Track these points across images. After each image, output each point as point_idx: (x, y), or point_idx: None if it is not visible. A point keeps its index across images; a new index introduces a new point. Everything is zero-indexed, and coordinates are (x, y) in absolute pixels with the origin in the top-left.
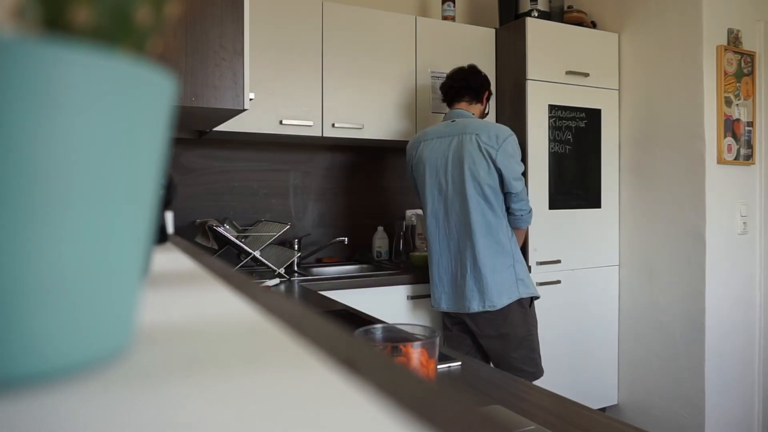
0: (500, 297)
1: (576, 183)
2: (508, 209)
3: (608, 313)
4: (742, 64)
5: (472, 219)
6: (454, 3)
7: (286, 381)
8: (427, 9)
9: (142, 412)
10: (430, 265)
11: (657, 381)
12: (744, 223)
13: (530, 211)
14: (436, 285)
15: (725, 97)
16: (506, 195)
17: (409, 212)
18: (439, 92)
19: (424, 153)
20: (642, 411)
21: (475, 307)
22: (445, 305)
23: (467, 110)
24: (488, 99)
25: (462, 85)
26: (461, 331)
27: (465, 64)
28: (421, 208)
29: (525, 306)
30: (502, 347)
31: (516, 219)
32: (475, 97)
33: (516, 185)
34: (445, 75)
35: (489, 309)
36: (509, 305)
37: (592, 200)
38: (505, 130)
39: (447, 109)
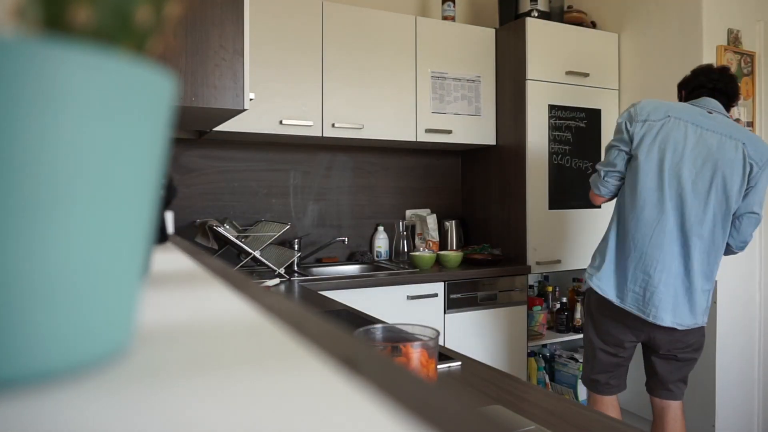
0: (703, 316)
1: (576, 183)
2: (732, 232)
3: None
4: (742, 64)
5: (703, 230)
6: (454, 3)
7: (287, 381)
8: (427, 9)
9: (142, 412)
10: (619, 252)
11: None
12: None
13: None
14: (625, 278)
15: None
16: (740, 217)
17: (409, 212)
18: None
19: (672, 131)
20: (642, 411)
21: (669, 321)
22: (630, 304)
23: (718, 104)
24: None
25: (716, 88)
26: (620, 332)
27: (465, 63)
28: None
29: (704, 333)
30: (675, 368)
31: (737, 245)
32: (726, 106)
33: (759, 208)
34: (443, 75)
35: (692, 327)
36: (701, 328)
37: None
38: (765, 145)
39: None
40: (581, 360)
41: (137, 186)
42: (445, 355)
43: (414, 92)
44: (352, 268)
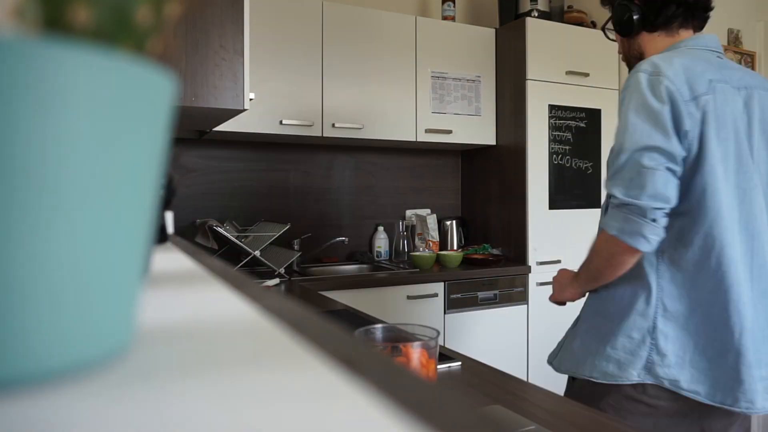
0: None
1: (576, 183)
2: None
3: None
4: (742, 64)
5: None
6: (454, 3)
7: (286, 381)
8: (427, 9)
9: (142, 412)
10: (718, 327)
11: None
12: None
13: None
14: (751, 366)
15: None
16: None
17: (409, 212)
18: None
19: (720, 107)
20: None
21: None
22: (762, 402)
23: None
24: None
25: (690, 2)
26: None
27: (465, 63)
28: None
29: None
30: None
31: None
32: (701, 27)
33: None
34: (443, 75)
35: None
36: None
37: (592, 200)
38: None
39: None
40: None
41: (137, 186)
42: (445, 355)
43: (414, 92)
44: (352, 268)
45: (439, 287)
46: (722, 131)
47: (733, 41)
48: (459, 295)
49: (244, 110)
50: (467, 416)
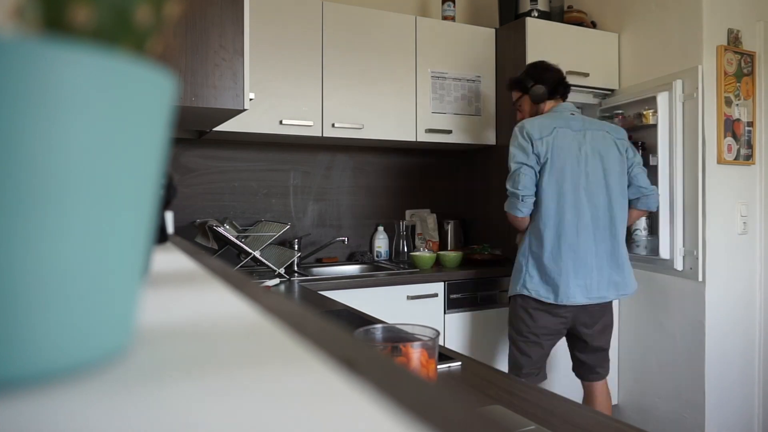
0: (633, 285)
1: None
2: (637, 192)
3: None
4: (742, 64)
5: (615, 211)
6: (454, 3)
7: (286, 381)
8: (427, 9)
9: (142, 412)
10: (556, 259)
11: (657, 381)
12: (744, 223)
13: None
14: (569, 277)
15: (725, 97)
16: (636, 178)
17: (409, 212)
18: (540, 85)
19: (560, 141)
20: (642, 411)
21: (612, 295)
22: (579, 298)
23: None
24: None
25: (567, 84)
26: (555, 323)
27: (465, 63)
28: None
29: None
30: (605, 338)
31: (648, 199)
32: (566, 95)
33: (641, 166)
34: (443, 75)
35: (623, 296)
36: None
37: None
38: (619, 126)
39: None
40: None
41: (137, 186)
42: (445, 355)
43: (414, 92)
44: (352, 268)
45: (439, 287)
46: (560, 154)
47: (733, 41)
48: (459, 295)
49: (244, 110)
50: (467, 416)
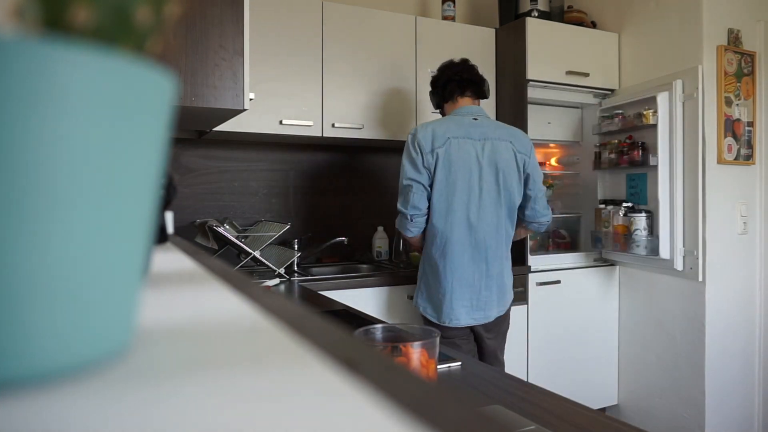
0: (509, 302)
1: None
2: (526, 215)
3: (608, 313)
4: (742, 64)
5: (503, 229)
6: (454, 3)
7: (286, 381)
8: (427, 9)
9: (142, 412)
10: (439, 278)
11: (657, 381)
12: (744, 223)
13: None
14: (452, 300)
15: (725, 97)
16: (530, 200)
17: None
18: (431, 91)
19: (454, 153)
20: (642, 411)
21: (494, 314)
22: (464, 320)
23: (476, 106)
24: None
25: (463, 78)
26: (452, 334)
27: None
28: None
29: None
30: (498, 344)
31: (540, 225)
32: (479, 93)
33: (542, 189)
34: None
35: (502, 313)
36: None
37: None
38: (527, 136)
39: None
40: None
41: (137, 186)
42: (445, 355)
43: (414, 92)
44: (352, 269)
45: None
46: (452, 168)
47: (733, 41)
48: None
49: (244, 110)
50: (467, 416)
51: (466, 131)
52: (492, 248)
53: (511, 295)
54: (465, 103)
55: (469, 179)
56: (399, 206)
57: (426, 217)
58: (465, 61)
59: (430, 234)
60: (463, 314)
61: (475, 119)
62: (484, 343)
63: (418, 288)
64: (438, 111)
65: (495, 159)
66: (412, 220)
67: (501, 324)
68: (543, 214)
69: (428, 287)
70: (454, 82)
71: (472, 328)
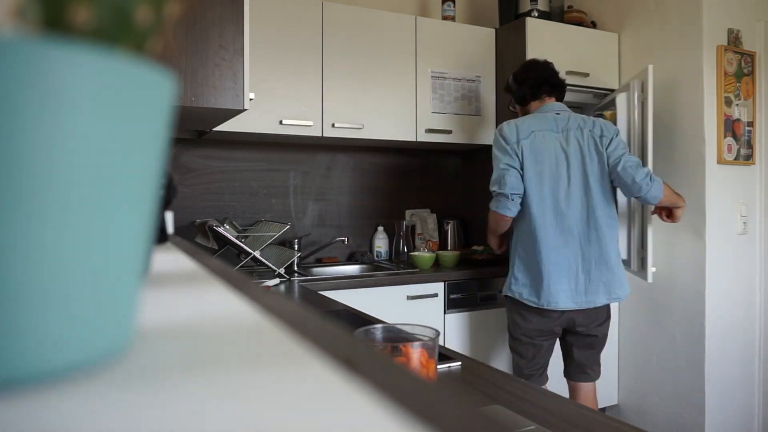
0: (625, 289)
1: None
2: (629, 193)
3: None
4: (742, 64)
5: (598, 214)
6: (454, 3)
7: (286, 381)
8: (427, 9)
9: (142, 413)
10: (536, 263)
11: (657, 381)
12: (744, 223)
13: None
14: (549, 284)
15: (725, 97)
16: (622, 178)
17: (409, 212)
18: (513, 86)
19: (539, 144)
20: (642, 411)
21: (602, 300)
22: (563, 303)
23: (559, 103)
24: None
25: (553, 82)
26: (547, 323)
27: (465, 63)
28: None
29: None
30: (599, 339)
31: (647, 197)
32: (562, 96)
33: (632, 163)
34: (443, 75)
35: (615, 300)
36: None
37: None
38: (610, 122)
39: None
40: None
41: (137, 186)
42: (445, 355)
43: (414, 92)
44: (352, 268)
45: (439, 287)
46: (538, 158)
47: (733, 41)
48: (459, 295)
49: (244, 110)
50: (467, 416)
51: (548, 124)
52: (583, 234)
53: (622, 285)
54: (550, 101)
55: (557, 168)
56: (497, 189)
57: (522, 198)
58: (549, 63)
59: (524, 222)
60: (562, 298)
61: (558, 114)
62: (573, 350)
63: (511, 277)
64: (514, 109)
65: (579, 148)
66: (512, 199)
67: (599, 321)
68: (639, 187)
69: (523, 274)
70: (548, 85)
71: (566, 329)
